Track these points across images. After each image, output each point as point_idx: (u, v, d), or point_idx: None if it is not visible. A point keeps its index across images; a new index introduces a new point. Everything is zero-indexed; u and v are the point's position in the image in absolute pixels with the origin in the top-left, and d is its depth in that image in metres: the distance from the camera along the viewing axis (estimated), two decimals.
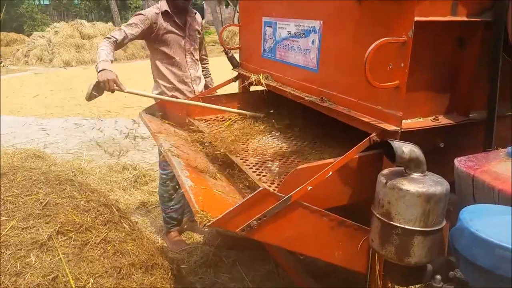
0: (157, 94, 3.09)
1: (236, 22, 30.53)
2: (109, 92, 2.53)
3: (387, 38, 1.52)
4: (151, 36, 2.95)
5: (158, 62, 3.08)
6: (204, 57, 3.45)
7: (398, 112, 1.62)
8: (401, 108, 1.61)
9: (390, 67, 1.62)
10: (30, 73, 13.07)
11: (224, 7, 30.72)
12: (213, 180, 2.06)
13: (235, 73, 3.12)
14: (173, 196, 3.27)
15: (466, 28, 1.66)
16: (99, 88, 2.48)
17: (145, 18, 2.88)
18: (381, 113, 1.71)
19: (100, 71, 2.48)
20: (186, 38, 3.07)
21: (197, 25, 3.18)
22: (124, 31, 2.82)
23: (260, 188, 1.47)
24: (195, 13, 3.16)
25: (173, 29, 2.98)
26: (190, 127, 2.75)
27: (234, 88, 3.16)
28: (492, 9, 1.61)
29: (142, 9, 21.50)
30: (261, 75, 2.72)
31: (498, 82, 1.64)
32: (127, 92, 2.52)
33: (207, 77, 3.48)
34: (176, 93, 3.13)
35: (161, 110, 2.85)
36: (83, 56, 14.79)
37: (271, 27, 2.61)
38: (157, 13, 2.92)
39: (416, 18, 1.50)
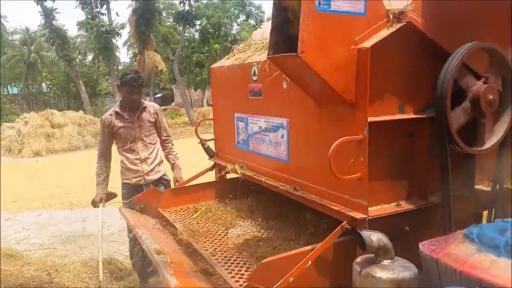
0: (120, 174, 3.76)
1: (205, 104, 31.52)
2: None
3: (345, 138, 1.72)
4: (111, 133, 3.66)
5: (118, 150, 3.75)
6: (165, 137, 3.90)
7: (363, 201, 1.79)
8: (366, 197, 1.78)
9: (352, 161, 1.81)
10: None
11: (193, 90, 32.00)
12: (196, 275, 2.11)
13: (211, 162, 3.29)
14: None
15: (414, 123, 1.90)
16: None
17: (103, 122, 3.67)
18: (349, 202, 1.87)
19: (96, 194, 3.65)
20: (137, 128, 3.63)
21: (149, 116, 3.71)
22: (100, 141, 3.72)
23: (248, 282, 1.55)
24: (145, 107, 3.68)
25: (123, 124, 3.61)
26: (163, 219, 2.83)
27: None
28: (434, 106, 1.87)
29: (112, 95, 21.96)
30: (237, 164, 2.89)
31: (449, 169, 1.85)
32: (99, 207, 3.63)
33: (170, 154, 3.91)
34: (129, 173, 3.69)
35: (140, 203, 2.93)
36: (53, 145, 14.77)
37: (243, 121, 2.83)
38: (111, 115, 3.64)
39: (369, 119, 1.73)
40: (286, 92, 2.26)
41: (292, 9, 1.70)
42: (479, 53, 1.88)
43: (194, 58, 26.65)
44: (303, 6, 1.56)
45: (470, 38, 1.83)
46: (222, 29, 26.52)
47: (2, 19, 33.80)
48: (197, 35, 28.15)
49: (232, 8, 27.62)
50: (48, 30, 21.95)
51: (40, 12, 21.23)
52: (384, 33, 1.70)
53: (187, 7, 23.56)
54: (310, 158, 2.15)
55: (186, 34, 26.31)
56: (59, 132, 15.49)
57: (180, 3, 23.91)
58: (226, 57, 3.15)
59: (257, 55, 2.60)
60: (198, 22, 25.65)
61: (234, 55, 3.01)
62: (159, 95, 42.54)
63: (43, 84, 36.76)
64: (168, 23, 28.42)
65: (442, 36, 1.83)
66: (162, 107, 34.09)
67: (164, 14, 27.63)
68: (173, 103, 38.79)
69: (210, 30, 25.97)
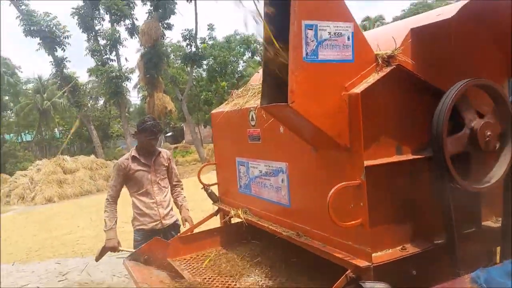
0: (132, 221, 3.77)
1: None
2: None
3: (343, 184, 1.70)
4: (126, 177, 3.67)
5: (131, 195, 3.75)
6: (176, 182, 3.98)
7: (367, 248, 1.74)
8: (369, 244, 1.73)
9: (352, 206, 1.78)
10: (12, 213, 12.94)
11: (203, 127, 32.38)
12: None
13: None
14: None
15: (413, 163, 1.87)
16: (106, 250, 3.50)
17: (119, 166, 3.70)
18: (352, 249, 1.82)
19: (107, 239, 3.49)
20: (152, 172, 3.71)
21: (164, 160, 3.82)
22: (112, 185, 3.69)
23: None
24: (160, 152, 3.82)
25: (140, 167, 3.69)
26: (172, 270, 2.78)
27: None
28: (431, 145, 1.84)
29: (123, 137, 22.26)
30: (240, 210, 2.86)
31: (451, 208, 1.80)
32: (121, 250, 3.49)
33: (179, 197, 3.96)
34: (145, 218, 3.67)
35: (144, 255, 2.90)
36: (65, 191, 14.90)
37: (244, 166, 2.82)
38: (127, 159, 3.70)
39: (365, 163, 1.71)
40: (284, 136, 2.26)
41: (280, 60, 1.72)
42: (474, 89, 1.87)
43: (202, 97, 27.12)
44: (290, 58, 1.58)
45: (464, 75, 1.83)
46: (229, 67, 27.09)
47: (16, 70, 35.10)
48: (204, 74, 28.78)
49: (238, 47, 28.29)
50: (59, 78, 22.63)
51: (51, 61, 21.98)
52: (374, 77, 1.71)
53: (193, 49, 24.24)
54: (311, 203, 2.12)
55: (194, 74, 26.90)
56: (71, 177, 15.66)
57: (187, 45, 24.65)
58: (226, 102, 3.20)
59: (255, 100, 2.62)
60: (205, 62, 26.30)
61: (233, 99, 3.05)
62: (169, 133, 43.09)
63: (56, 130, 37.53)
64: (176, 65, 29.16)
65: (435, 76, 1.83)
66: (173, 145, 34.60)
67: (172, 57, 28.40)
68: (184, 141, 39.18)
69: (216, 68, 26.55)
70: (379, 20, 31.08)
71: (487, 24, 1.94)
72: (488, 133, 1.81)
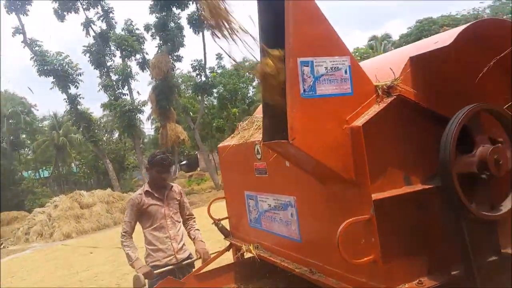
0: (145, 258, 3.67)
1: None
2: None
3: (351, 219, 1.64)
4: (140, 212, 3.66)
5: (144, 230, 3.71)
6: (188, 216, 3.97)
7: (381, 285, 1.67)
8: (384, 281, 1.66)
9: (363, 242, 1.72)
10: (31, 251, 13.01)
11: (216, 154, 32.53)
12: None
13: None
14: None
15: (423, 193, 1.81)
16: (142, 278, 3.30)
17: (133, 202, 3.69)
18: (367, 286, 1.75)
19: (139, 268, 3.40)
20: (165, 206, 3.70)
21: (176, 194, 3.82)
22: (127, 221, 3.65)
23: None
24: (172, 186, 3.85)
25: (153, 202, 3.68)
26: None
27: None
28: (439, 174, 1.78)
29: (138, 168, 22.37)
30: (251, 245, 2.80)
31: (467, 238, 1.72)
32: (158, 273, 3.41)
33: (191, 229, 3.94)
34: (158, 253, 3.62)
35: None
36: (83, 226, 14.97)
37: (253, 199, 2.79)
38: (140, 194, 3.70)
39: (373, 197, 1.66)
40: (290, 170, 2.22)
41: (279, 97, 1.71)
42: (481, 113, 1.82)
43: (214, 124, 27.39)
44: (288, 95, 1.57)
45: (468, 100, 1.79)
46: (239, 93, 27.38)
47: (32, 108, 36.05)
48: (215, 102, 29.12)
49: (247, 73, 28.63)
50: (74, 114, 23.09)
51: (65, 99, 22.48)
52: (375, 109, 1.68)
53: (203, 78, 24.64)
54: (322, 238, 2.06)
55: (205, 103, 27.24)
56: (88, 212, 15.75)
57: (197, 75, 25.09)
58: (232, 135, 3.19)
59: (259, 133, 2.60)
60: (215, 90, 26.66)
61: (239, 132, 3.04)
62: (184, 162, 43.29)
63: (73, 165, 38.12)
64: (187, 95, 29.61)
65: (438, 103, 1.80)
66: (188, 174, 34.58)
67: (183, 87, 28.88)
68: (198, 169, 39.28)
69: (227, 96, 26.86)
70: (385, 39, 31.12)
71: (487, 48, 1.91)
72: (498, 158, 1.74)
